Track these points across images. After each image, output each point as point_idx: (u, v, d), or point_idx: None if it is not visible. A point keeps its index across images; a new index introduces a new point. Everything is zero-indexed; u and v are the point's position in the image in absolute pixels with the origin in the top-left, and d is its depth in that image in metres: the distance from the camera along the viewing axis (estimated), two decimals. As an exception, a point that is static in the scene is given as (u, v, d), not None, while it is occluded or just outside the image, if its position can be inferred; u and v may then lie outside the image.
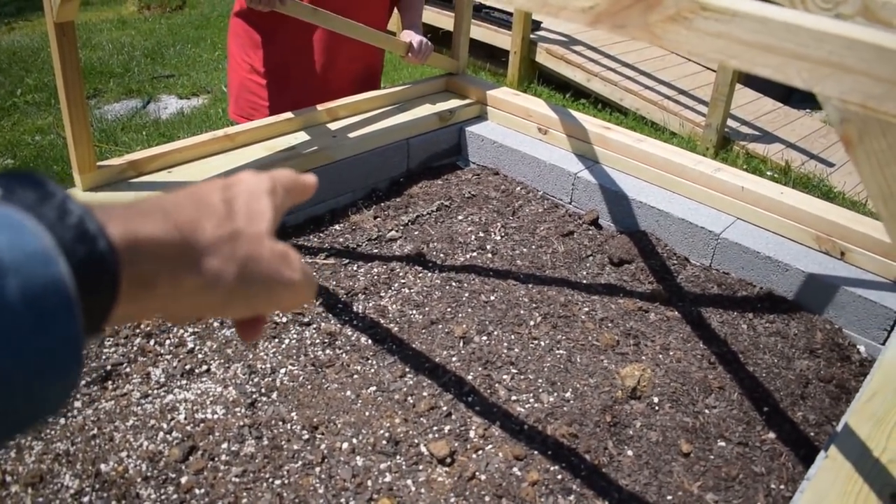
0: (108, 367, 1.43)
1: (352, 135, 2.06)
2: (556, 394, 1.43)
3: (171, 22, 8.13)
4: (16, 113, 5.55)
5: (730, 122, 5.21)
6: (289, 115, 2.06)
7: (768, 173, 4.80)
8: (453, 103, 2.37)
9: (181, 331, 1.54)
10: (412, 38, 2.21)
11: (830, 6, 0.74)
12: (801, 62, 0.52)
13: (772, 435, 1.39)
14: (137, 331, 1.52)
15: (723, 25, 0.54)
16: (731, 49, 0.54)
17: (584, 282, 1.79)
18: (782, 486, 1.29)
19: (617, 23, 0.58)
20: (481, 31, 6.46)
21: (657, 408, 1.42)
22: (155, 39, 7.42)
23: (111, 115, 5.47)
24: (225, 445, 1.28)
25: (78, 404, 1.35)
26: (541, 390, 1.44)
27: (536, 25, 6.24)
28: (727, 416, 1.42)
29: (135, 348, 1.49)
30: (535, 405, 1.40)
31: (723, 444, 1.36)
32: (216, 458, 1.25)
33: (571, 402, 1.41)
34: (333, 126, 2.11)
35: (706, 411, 1.43)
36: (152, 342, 1.51)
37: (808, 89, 0.53)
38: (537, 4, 0.62)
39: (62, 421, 1.31)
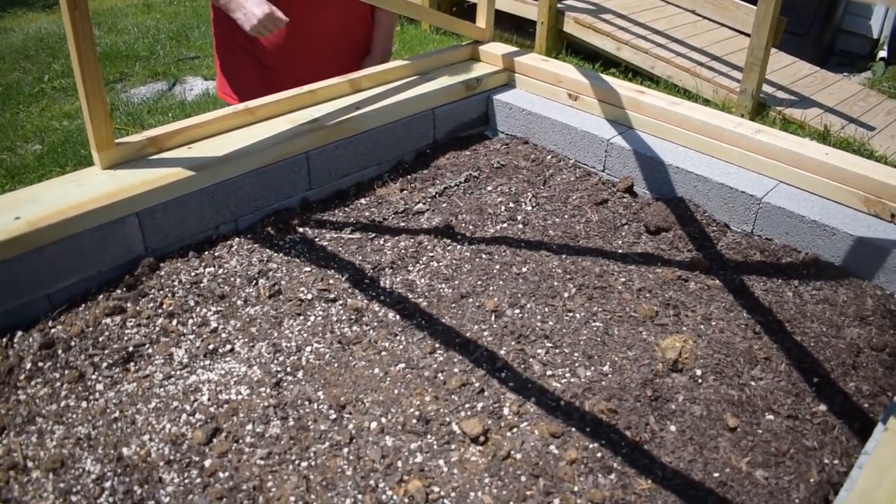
0: (130, 349, 1.39)
1: (376, 106, 1.99)
2: (593, 368, 1.36)
3: (196, 4, 8.12)
4: (44, 99, 5.58)
5: (765, 88, 5.05)
6: (312, 86, 2.00)
7: (806, 138, 4.65)
8: (480, 71, 2.28)
9: (204, 310, 1.50)
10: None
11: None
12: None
13: (823, 407, 1.31)
14: (160, 311, 1.49)
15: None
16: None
17: (620, 251, 1.72)
18: (836, 461, 1.22)
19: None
20: (507, 2, 6.34)
21: (700, 380, 1.35)
22: (180, 22, 7.41)
23: (137, 99, 5.47)
24: (249, 427, 1.23)
25: (100, 387, 1.32)
26: (577, 364, 1.37)
27: (563, -6, 6.10)
28: (774, 389, 1.34)
29: (157, 328, 1.45)
30: (572, 380, 1.33)
31: (771, 417, 1.28)
32: (241, 440, 1.21)
33: (610, 376, 1.34)
34: (356, 97, 2.04)
35: (752, 383, 1.35)
36: (175, 322, 1.47)
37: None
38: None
39: (83, 404, 1.28)
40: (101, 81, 1.60)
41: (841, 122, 4.82)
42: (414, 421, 1.24)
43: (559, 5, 6.01)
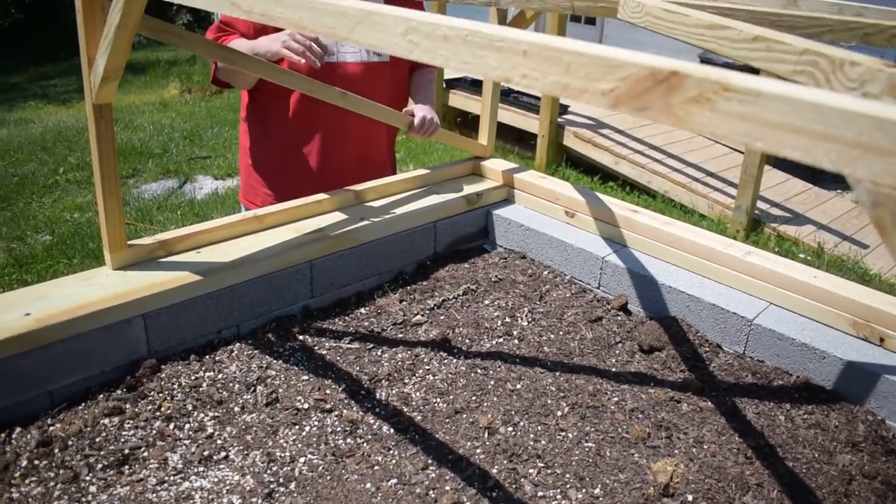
0: (126, 451, 1.40)
1: (379, 217, 2.07)
2: (584, 490, 1.36)
3: (210, 105, 8.41)
4: (57, 190, 5.73)
5: (759, 204, 5.18)
6: (318, 196, 2.07)
7: (801, 255, 4.73)
8: (481, 186, 2.37)
9: (202, 415, 1.51)
10: (417, 112, 2.24)
11: (857, 85, 0.72)
12: (830, 144, 0.50)
13: (815, 535, 1.31)
14: (158, 413, 1.50)
15: (747, 107, 0.53)
16: (756, 131, 0.52)
17: (614, 370, 1.74)
18: (829, 593, 1.20)
19: (638, 105, 0.57)
20: (510, 115, 6.58)
21: (692, 504, 1.35)
22: (194, 122, 7.67)
23: (148, 195, 5.61)
24: (239, 537, 1.23)
25: (93, 489, 1.32)
26: (569, 486, 1.37)
27: (564, 109, 6.34)
28: (766, 514, 1.34)
29: (154, 431, 1.46)
30: (563, 502, 1.33)
31: (763, 544, 1.28)
32: (229, 551, 1.20)
33: (601, 499, 1.35)
34: (361, 209, 2.12)
35: (744, 508, 1.35)
36: (172, 426, 1.48)
37: (838, 171, 0.51)
38: (559, 88, 0.61)
39: (75, 507, 1.28)
40: (118, 187, 1.67)
41: (835, 239, 4.92)
42: (403, 537, 1.24)
43: (560, 119, 6.24)
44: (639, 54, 0.57)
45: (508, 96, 6.70)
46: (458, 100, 7.20)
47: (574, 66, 0.58)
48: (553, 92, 0.60)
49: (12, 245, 4.73)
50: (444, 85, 7.25)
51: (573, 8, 1.29)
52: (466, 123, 7.24)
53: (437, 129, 2.27)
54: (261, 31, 2.12)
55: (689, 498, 1.36)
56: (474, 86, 6.92)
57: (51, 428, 1.44)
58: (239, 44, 2.06)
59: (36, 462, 1.36)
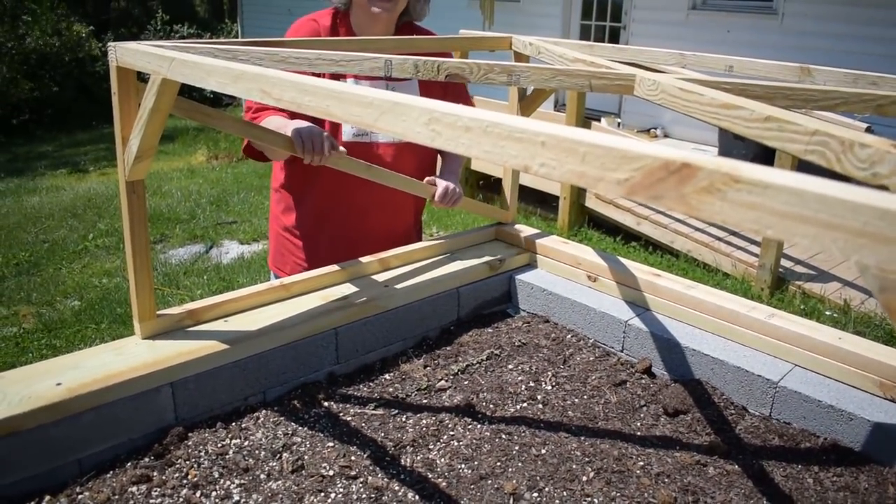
0: (154, 521, 1.42)
1: (403, 284, 2.10)
2: (611, 557, 1.35)
3: (237, 171, 8.60)
4: (86, 256, 5.84)
5: (784, 262, 5.16)
6: (343, 264, 2.12)
7: (827, 313, 4.69)
8: (503, 252, 2.41)
9: (228, 482, 1.53)
10: (440, 182, 2.30)
11: (866, 166, 0.75)
12: (837, 233, 0.52)
13: None
14: (185, 481, 1.52)
15: (756, 197, 0.55)
16: (765, 220, 0.55)
17: (639, 434, 1.74)
18: None
19: (652, 194, 0.60)
20: (531, 178, 6.65)
21: (721, 574, 1.33)
22: (221, 187, 7.82)
23: (175, 260, 5.70)
24: None
25: (121, 560, 1.33)
26: (595, 553, 1.36)
27: (585, 171, 6.41)
28: (798, 585, 1.32)
29: (181, 499, 1.47)
30: (590, 569, 1.32)
31: None
32: None
33: (628, 566, 1.33)
34: (385, 275, 2.16)
35: (775, 579, 1.33)
36: (198, 493, 1.49)
37: (846, 258, 0.53)
38: (576, 176, 0.65)
39: (104, 578, 1.29)
40: (149, 258, 1.73)
41: (861, 295, 4.88)
42: None
43: (582, 181, 6.30)
44: (652, 146, 0.61)
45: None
46: (481, 163, 7.29)
47: (590, 156, 0.61)
48: (570, 181, 0.63)
49: (42, 310, 4.82)
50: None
51: (591, 87, 1.33)
52: (489, 186, 7.32)
53: (459, 199, 2.32)
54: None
55: (719, 568, 1.34)
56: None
57: (80, 496, 1.46)
58: (271, 120, 2.13)
59: (66, 532, 1.37)
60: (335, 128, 2.24)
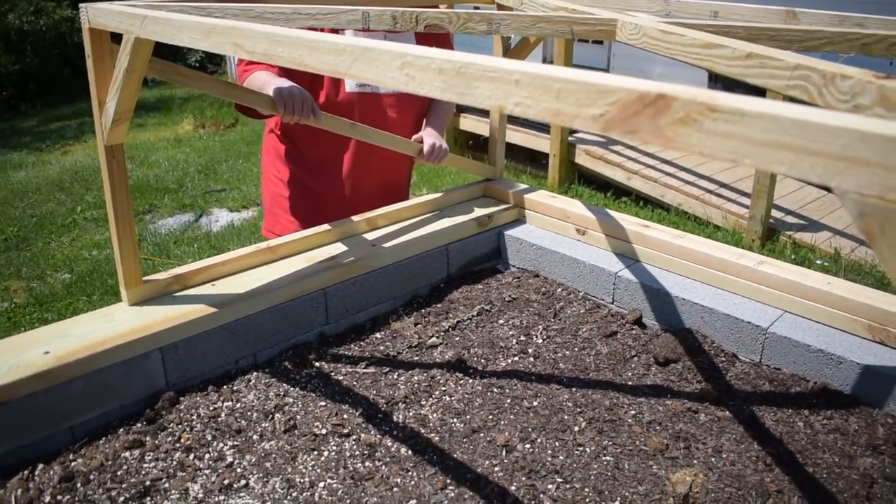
0: (147, 483, 1.42)
1: (391, 243, 2.09)
2: (603, 503, 1.37)
3: (224, 139, 8.51)
4: (75, 229, 5.80)
5: (774, 213, 5.16)
6: (328, 225, 2.10)
7: (818, 262, 4.70)
8: (491, 208, 2.39)
9: (221, 444, 1.53)
10: (426, 139, 2.27)
11: (848, 97, 0.73)
12: (815, 158, 0.51)
13: (839, 544, 1.30)
14: (178, 445, 1.52)
15: (732, 126, 0.54)
16: (743, 148, 0.54)
17: (630, 383, 1.74)
18: None
19: (628, 128, 0.58)
20: (521, 136, 6.62)
21: (712, 516, 1.34)
22: (208, 156, 7.75)
23: (165, 230, 5.67)
24: (262, 565, 1.24)
25: (116, 523, 1.34)
26: (588, 500, 1.38)
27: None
28: (789, 524, 1.33)
29: (174, 462, 1.48)
30: (582, 516, 1.34)
31: (786, 555, 1.27)
32: (252, 579, 1.22)
33: (620, 511, 1.35)
34: (373, 235, 2.15)
35: (766, 519, 1.34)
36: (192, 456, 1.50)
37: (825, 184, 0.52)
38: (551, 114, 0.63)
39: (100, 541, 1.30)
40: (132, 224, 1.71)
41: (851, 244, 4.89)
42: (425, 559, 1.24)
43: (570, 138, 6.26)
44: (627, 79, 0.59)
45: (518, 118, 6.75)
46: (469, 123, 7.25)
47: (564, 92, 0.60)
48: (546, 118, 0.62)
49: (32, 284, 4.80)
50: (455, 109, 7.32)
51: (573, 33, 1.31)
52: (478, 146, 7.28)
53: (445, 155, 2.29)
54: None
55: (710, 510, 1.36)
56: (484, 109, 6.97)
57: (73, 463, 1.46)
58: (258, 76, 2.09)
59: (59, 497, 1.38)
60: (337, 80, 2.21)
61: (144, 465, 1.47)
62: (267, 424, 1.59)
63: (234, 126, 8.96)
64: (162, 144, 8.47)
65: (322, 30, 1.65)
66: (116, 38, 1.51)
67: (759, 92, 1.10)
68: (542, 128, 6.48)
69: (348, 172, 2.34)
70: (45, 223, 5.95)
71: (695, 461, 1.48)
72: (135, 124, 9.74)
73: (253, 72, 2.14)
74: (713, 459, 1.49)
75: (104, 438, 1.53)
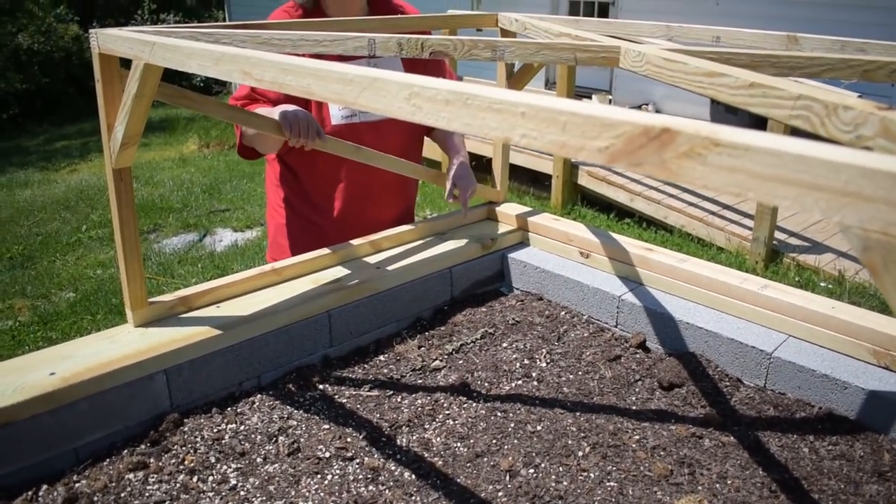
0: (151, 507, 1.42)
1: (395, 265, 2.09)
2: (607, 529, 1.36)
3: (229, 159, 8.55)
4: (80, 248, 5.82)
5: (777, 235, 5.17)
6: (334, 247, 2.11)
7: (822, 284, 4.69)
8: (495, 231, 2.40)
9: (225, 467, 1.53)
10: (458, 179, 2.28)
11: (850, 128, 0.74)
12: (818, 193, 0.52)
13: (845, 572, 1.29)
14: (182, 467, 1.52)
15: (736, 160, 0.55)
16: (747, 183, 0.54)
17: (634, 408, 1.74)
18: None
19: (633, 161, 0.59)
20: (523, 157, 6.64)
21: (717, 543, 1.34)
22: (213, 176, 7.79)
23: (169, 249, 5.68)
24: (265, 590, 1.24)
25: (119, 547, 1.34)
26: (592, 526, 1.37)
27: (577, 149, 6.39)
28: (794, 552, 1.33)
29: (178, 485, 1.48)
30: (587, 542, 1.33)
31: (791, 583, 1.26)
32: None
33: (625, 538, 1.34)
34: (377, 257, 2.15)
35: (771, 546, 1.34)
36: (195, 479, 1.49)
37: (828, 219, 0.53)
38: (557, 146, 0.64)
39: (103, 565, 1.29)
40: (139, 247, 1.72)
41: (855, 266, 4.88)
42: (428, 585, 1.24)
43: (573, 160, 6.28)
44: (632, 112, 0.60)
45: (521, 137, 6.77)
46: (472, 144, 7.28)
47: (570, 125, 0.61)
48: (552, 150, 0.63)
49: (37, 303, 4.81)
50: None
51: (576, 60, 1.32)
52: (480, 167, 7.31)
53: (475, 192, 2.31)
54: (288, 99, 2.13)
55: (715, 537, 1.35)
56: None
57: (76, 484, 1.46)
58: (258, 110, 2.11)
59: (64, 520, 1.38)
60: (321, 111, 2.22)
61: (148, 487, 1.47)
62: (271, 447, 1.59)
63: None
64: (167, 164, 8.51)
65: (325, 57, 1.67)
66: (126, 62, 1.53)
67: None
68: (546, 149, 6.52)
69: (350, 198, 2.35)
70: (50, 242, 5.97)
71: (699, 487, 1.48)
72: (140, 143, 9.78)
73: (253, 108, 2.14)
74: (718, 486, 1.48)
75: (108, 460, 1.53)
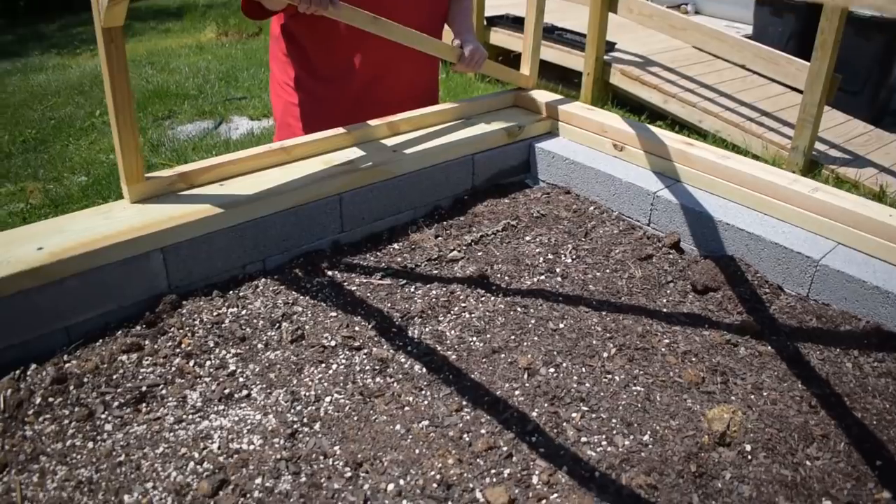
0: (144, 389, 1.33)
1: (413, 149, 1.94)
2: (632, 436, 1.25)
3: (247, 47, 8.29)
4: (93, 132, 5.70)
5: (818, 145, 4.92)
6: (348, 128, 1.95)
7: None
8: (522, 118, 2.23)
9: (223, 352, 1.43)
10: (464, 44, 2.09)
11: None
12: None
13: (887, 494, 1.19)
14: (178, 350, 1.42)
15: None
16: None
17: (665, 310, 1.61)
18: (903, 556, 1.09)
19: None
20: (553, 53, 6.34)
21: (750, 457, 1.23)
22: (230, 63, 7.55)
23: (183, 136, 5.55)
24: (259, 480, 1.15)
25: (108, 427, 1.26)
26: (615, 432, 1.26)
27: (610, 46, 6.07)
28: (833, 470, 1.22)
29: (173, 369, 1.38)
30: (609, 449, 1.23)
31: (829, 502, 1.16)
32: (248, 495, 1.13)
33: (650, 446, 1.24)
34: (394, 140, 2.00)
35: (807, 463, 1.23)
36: (192, 363, 1.40)
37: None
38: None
39: (90, 444, 1.22)
40: (133, 115, 1.57)
41: (897, 181, 4.66)
42: (434, 485, 1.15)
43: (606, 57, 5.98)
44: None
45: (552, 33, 6.43)
46: (500, 38, 6.95)
47: None
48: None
49: (49, 186, 4.72)
50: (486, 23, 7.00)
51: None
52: (508, 62, 6.97)
53: (484, 60, 2.11)
54: None
55: (748, 448, 1.24)
56: (516, 23, 6.66)
57: (66, 365, 1.37)
58: None
59: (50, 399, 1.30)
60: None
61: (142, 370, 1.38)
62: (273, 333, 1.49)
63: (258, 35, 8.69)
64: (183, 51, 8.25)
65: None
66: None
67: None
68: (576, 44, 6.19)
69: (366, 75, 2.15)
70: (63, 126, 5.84)
71: (733, 397, 1.37)
72: (157, 30, 9.52)
73: None
74: (752, 397, 1.37)
75: (101, 341, 1.44)
